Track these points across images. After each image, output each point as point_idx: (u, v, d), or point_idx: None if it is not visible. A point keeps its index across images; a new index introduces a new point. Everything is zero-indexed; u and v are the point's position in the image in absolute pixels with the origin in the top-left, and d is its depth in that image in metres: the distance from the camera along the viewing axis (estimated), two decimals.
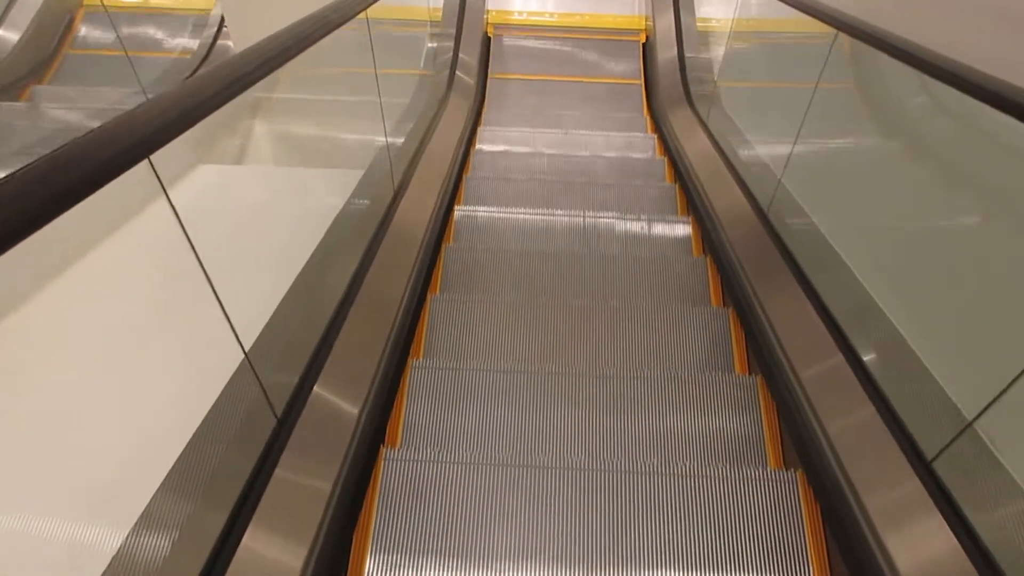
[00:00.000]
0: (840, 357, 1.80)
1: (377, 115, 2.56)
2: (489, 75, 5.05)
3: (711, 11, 4.30)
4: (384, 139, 2.58)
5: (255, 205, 3.27)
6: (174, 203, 1.14)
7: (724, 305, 2.69)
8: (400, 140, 3.02)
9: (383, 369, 2.03)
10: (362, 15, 2.29)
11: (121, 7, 4.73)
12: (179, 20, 4.52)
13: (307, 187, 3.53)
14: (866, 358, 1.76)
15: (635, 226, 3.14)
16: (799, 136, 2.43)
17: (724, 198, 3.03)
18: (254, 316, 1.48)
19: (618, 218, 3.18)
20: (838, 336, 1.87)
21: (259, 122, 4.68)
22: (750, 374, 2.30)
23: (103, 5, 4.07)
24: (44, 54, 4.37)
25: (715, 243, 2.83)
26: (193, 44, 4.28)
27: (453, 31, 4.68)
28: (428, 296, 2.60)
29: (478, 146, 4.03)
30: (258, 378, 1.42)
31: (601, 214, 3.25)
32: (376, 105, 2.53)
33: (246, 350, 1.35)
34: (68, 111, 3.84)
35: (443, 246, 2.91)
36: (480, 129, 4.24)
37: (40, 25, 4.29)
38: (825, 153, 2.32)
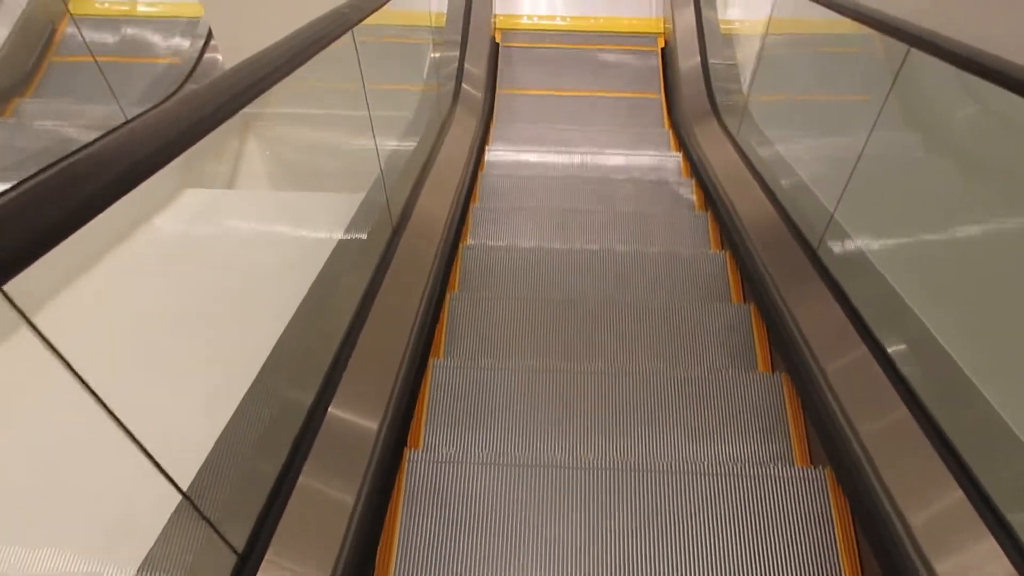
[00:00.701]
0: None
1: (372, 142, 2.26)
2: (497, 86, 4.73)
3: (740, 11, 3.96)
4: (380, 171, 2.27)
5: (242, 239, 2.95)
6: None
7: (773, 371, 2.37)
8: (400, 166, 2.72)
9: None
10: (357, 28, 1.98)
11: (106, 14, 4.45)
12: (164, 32, 4.23)
13: (297, 219, 3.22)
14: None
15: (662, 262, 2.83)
16: (856, 167, 2.10)
17: (762, 229, 2.70)
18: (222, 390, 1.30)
19: (642, 251, 2.87)
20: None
21: (252, 137, 4.38)
22: (773, 372, 2.28)
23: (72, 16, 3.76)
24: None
25: (755, 282, 2.51)
26: (178, 58, 3.98)
27: (458, 39, 4.36)
28: (431, 359, 2.30)
29: (487, 165, 3.71)
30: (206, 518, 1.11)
31: (624, 244, 2.95)
32: (370, 131, 2.22)
33: (185, 490, 1.04)
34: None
35: (456, 254, 2.64)
36: (488, 147, 3.92)
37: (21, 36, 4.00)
38: (893, 189, 2.00)
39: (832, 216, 2.24)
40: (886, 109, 1.95)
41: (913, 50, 1.79)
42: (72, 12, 4.28)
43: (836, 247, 2.22)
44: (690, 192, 3.50)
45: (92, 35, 4.14)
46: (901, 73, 1.86)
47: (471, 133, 3.72)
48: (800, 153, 2.75)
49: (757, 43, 3.24)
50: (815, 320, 2.12)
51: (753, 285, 2.55)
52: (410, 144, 3.02)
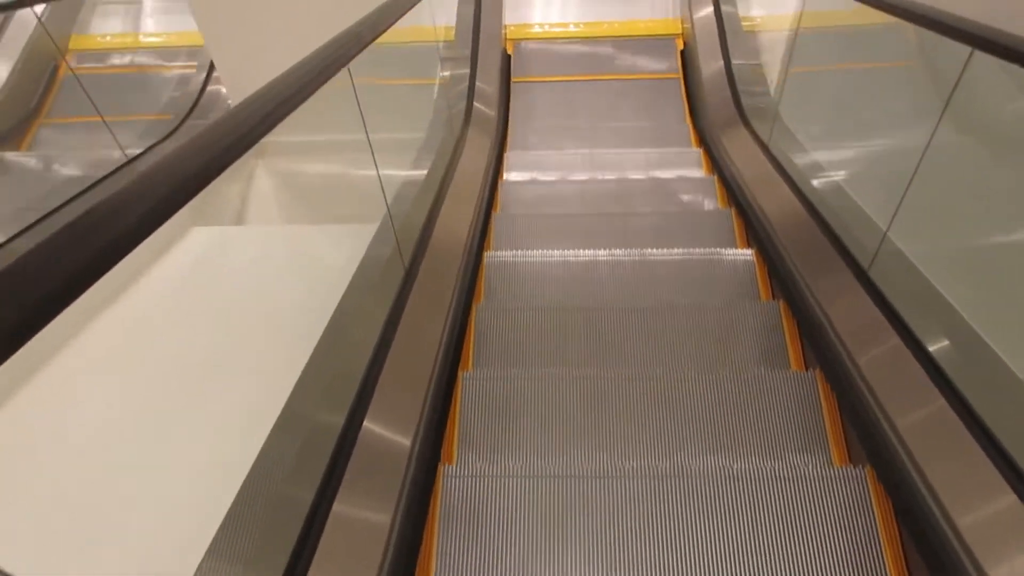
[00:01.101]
0: None
1: (378, 177, 2.10)
2: (511, 101, 4.54)
3: (764, 7, 3.73)
4: (387, 209, 2.11)
5: (254, 279, 2.82)
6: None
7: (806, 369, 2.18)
8: (413, 194, 2.55)
9: None
10: (355, 64, 1.81)
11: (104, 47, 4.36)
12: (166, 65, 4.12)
13: (310, 254, 3.11)
14: None
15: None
16: (913, 178, 1.89)
17: (803, 245, 2.49)
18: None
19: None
20: None
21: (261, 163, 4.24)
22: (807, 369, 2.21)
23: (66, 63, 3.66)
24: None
25: (794, 297, 2.30)
26: (178, 94, 3.86)
27: (468, 54, 4.19)
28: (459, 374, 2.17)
29: (504, 187, 3.53)
30: None
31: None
32: (376, 166, 2.06)
33: None
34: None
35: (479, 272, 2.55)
36: (504, 168, 3.73)
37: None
38: (955, 203, 1.79)
39: (885, 234, 2.03)
40: (947, 114, 1.75)
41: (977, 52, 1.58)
42: (72, 47, 4.20)
43: (890, 266, 2.01)
44: (715, 197, 3.30)
45: (92, 72, 4.05)
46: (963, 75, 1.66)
47: (485, 154, 3.55)
48: (840, 162, 2.54)
49: (787, 40, 3.02)
50: (871, 351, 1.91)
51: (792, 298, 2.35)
52: (422, 170, 2.86)
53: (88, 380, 2.46)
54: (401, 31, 2.64)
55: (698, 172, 3.59)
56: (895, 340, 1.77)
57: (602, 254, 2.73)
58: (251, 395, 1.77)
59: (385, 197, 2.04)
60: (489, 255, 2.72)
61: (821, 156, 2.66)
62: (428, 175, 2.87)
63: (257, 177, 3.96)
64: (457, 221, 2.71)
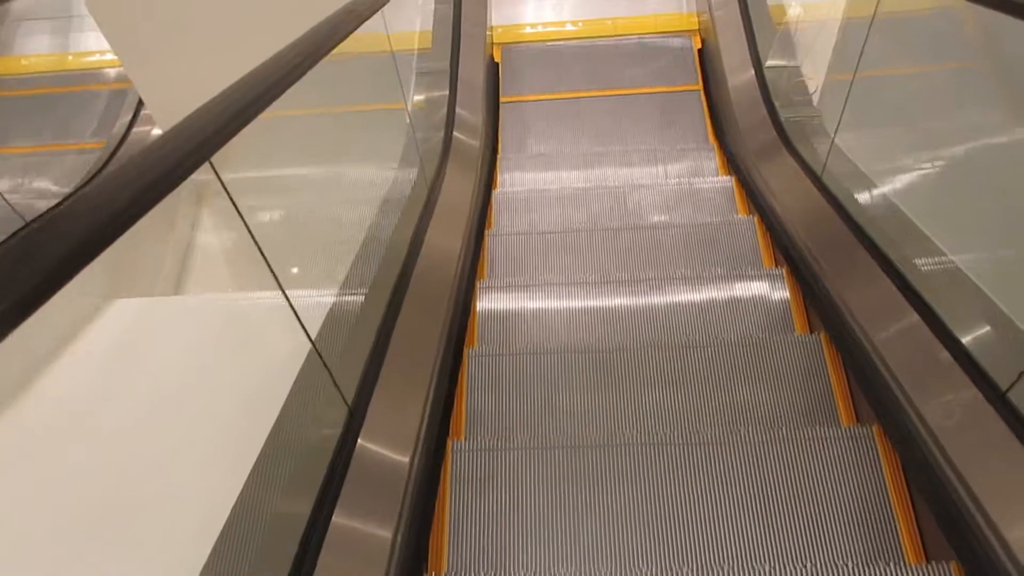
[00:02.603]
0: None
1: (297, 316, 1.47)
2: (500, 119, 3.84)
3: None
4: (313, 348, 1.47)
5: (189, 362, 2.38)
6: None
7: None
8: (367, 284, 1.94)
9: None
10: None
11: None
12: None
13: (256, 329, 2.65)
14: None
15: None
16: None
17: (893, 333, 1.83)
18: None
19: None
20: None
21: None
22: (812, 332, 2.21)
23: None
24: None
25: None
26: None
27: (446, 66, 3.51)
28: None
29: (490, 243, 2.87)
30: None
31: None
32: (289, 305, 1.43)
33: None
34: None
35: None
36: (493, 209, 3.07)
37: None
38: None
39: None
40: None
41: None
42: None
43: None
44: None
45: None
46: None
47: (469, 195, 2.89)
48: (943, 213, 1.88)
49: (853, 41, 2.27)
50: None
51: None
52: (384, 229, 2.24)
53: None
54: (359, 38, 1.96)
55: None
56: None
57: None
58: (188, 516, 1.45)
59: (308, 333, 1.40)
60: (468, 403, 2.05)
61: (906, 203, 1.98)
62: (396, 230, 2.25)
63: (201, 229, 3.34)
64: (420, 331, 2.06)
